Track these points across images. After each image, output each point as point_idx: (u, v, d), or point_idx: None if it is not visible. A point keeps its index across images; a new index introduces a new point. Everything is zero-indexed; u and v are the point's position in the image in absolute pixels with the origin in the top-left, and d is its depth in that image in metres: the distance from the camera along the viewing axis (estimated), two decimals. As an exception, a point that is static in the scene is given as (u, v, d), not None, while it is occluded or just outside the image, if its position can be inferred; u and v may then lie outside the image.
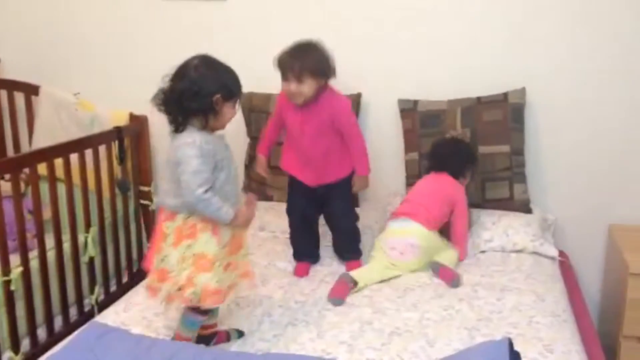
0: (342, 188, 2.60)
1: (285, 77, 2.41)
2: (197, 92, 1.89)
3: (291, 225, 2.70)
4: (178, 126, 1.93)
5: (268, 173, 2.71)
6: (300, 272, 2.58)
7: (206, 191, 1.87)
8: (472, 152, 2.85)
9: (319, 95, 2.44)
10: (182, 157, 1.88)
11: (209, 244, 1.92)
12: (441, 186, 2.72)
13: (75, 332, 2.06)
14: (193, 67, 1.93)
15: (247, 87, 3.16)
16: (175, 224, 1.95)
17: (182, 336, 2.01)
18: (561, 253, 2.81)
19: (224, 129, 2.02)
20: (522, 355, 1.78)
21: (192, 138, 1.90)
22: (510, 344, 1.73)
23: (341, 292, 2.36)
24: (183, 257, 1.92)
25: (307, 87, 2.38)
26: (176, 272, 1.91)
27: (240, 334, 2.13)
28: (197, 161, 1.87)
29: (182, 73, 1.93)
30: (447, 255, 2.59)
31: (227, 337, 2.11)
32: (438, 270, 2.50)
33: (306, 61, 2.38)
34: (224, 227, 1.95)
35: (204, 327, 2.08)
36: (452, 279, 2.45)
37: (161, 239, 1.97)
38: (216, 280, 1.92)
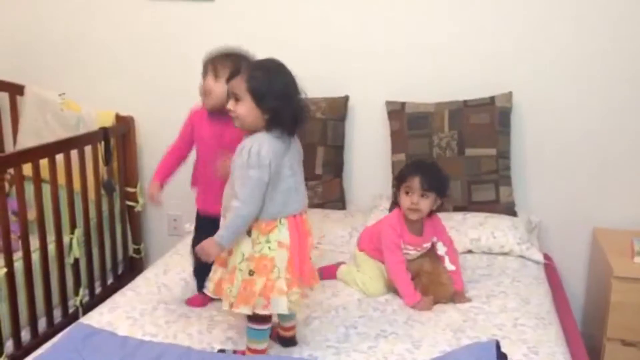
0: None
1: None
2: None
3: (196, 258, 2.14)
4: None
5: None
6: (195, 302, 2.33)
7: None
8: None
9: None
10: None
11: None
12: None
13: (61, 333, 2.04)
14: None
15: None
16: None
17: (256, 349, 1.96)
18: (545, 256, 2.83)
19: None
20: (507, 356, 1.80)
21: None
22: (498, 346, 1.74)
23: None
24: None
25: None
26: None
27: None
28: None
29: (277, 72, 1.91)
30: None
31: None
32: None
33: None
34: None
35: (285, 328, 2.05)
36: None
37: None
38: None
